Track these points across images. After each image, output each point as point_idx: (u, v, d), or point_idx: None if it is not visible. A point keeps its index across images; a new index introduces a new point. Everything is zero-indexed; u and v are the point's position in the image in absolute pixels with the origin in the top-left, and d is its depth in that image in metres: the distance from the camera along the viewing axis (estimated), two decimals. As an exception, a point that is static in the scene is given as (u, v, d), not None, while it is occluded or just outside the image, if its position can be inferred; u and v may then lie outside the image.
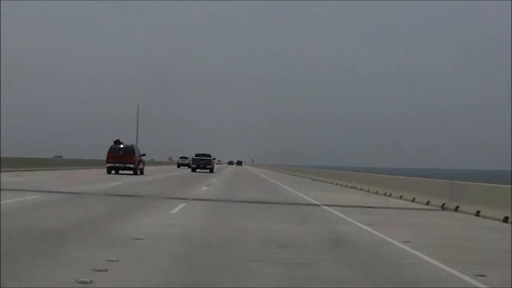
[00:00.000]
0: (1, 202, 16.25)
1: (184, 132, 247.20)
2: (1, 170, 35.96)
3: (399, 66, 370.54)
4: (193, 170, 65.80)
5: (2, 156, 41.27)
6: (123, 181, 34.01)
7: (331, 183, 43.13)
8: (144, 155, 50.19)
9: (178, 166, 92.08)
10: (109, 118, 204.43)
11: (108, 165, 46.12)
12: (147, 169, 66.79)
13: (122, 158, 45.80)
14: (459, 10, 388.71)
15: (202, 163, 65.77)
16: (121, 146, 47.00)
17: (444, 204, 20.43)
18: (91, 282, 6.98)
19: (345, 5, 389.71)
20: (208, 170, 65.45)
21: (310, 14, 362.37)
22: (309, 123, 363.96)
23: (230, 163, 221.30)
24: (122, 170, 46.26)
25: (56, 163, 56.18)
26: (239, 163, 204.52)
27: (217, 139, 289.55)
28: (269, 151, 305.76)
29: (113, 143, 47.24)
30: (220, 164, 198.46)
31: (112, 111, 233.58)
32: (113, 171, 46.31)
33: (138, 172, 47.05)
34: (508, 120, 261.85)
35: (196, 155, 67.76)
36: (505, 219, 16.12)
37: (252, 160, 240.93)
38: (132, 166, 45.82)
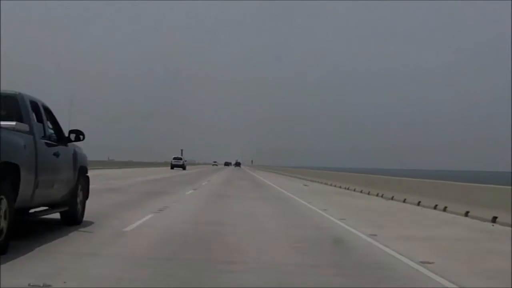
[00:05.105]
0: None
1: (184, 132, 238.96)
2: None
3: (399, 66, 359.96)
4: None
5: None
6: None
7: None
8: None
9: (172, 168, 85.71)
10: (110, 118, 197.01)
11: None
12: (123, 172, 54.60)
13: None
14: (459, 9, 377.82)
15: None
16: None
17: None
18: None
19: (346, 5, 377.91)
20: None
21: (311, 14, 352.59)
22: (311, 123, 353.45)
23: (227, 164, 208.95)
24: None
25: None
26: (238, 164, 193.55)
27: (217, 140, 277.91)
28: (269, 151, 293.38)
29: None
30: (216, 165, 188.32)
31: (112, 111, 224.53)
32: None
33: None
34: (507, 120, 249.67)
35: None
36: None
37: (252, 161, 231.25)
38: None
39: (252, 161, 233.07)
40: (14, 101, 9.96)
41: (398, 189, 24.41)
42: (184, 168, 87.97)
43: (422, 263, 8.79)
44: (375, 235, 11.81)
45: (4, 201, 8.42)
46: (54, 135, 11.13)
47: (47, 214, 10.93)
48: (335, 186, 36.54)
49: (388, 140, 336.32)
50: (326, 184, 39.89)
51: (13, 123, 9.23)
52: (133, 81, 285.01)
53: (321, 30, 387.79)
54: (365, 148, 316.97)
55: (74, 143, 11.99)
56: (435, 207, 18.96)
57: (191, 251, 9.39)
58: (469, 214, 16.54)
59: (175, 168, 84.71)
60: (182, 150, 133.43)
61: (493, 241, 11.89)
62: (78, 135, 11.70)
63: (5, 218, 8.37)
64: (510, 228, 13.75)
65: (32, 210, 10.28)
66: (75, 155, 11.96)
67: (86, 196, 12.73)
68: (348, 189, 32.50)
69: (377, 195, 26.09)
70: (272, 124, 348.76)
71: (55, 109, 11.23)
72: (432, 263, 8.78)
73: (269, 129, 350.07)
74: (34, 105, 10.36)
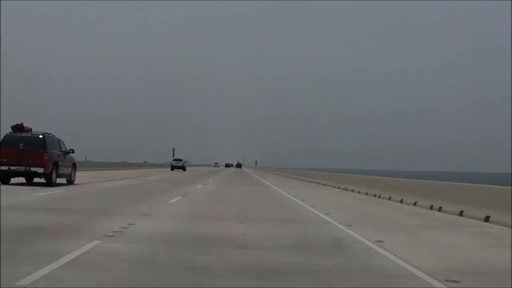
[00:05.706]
0: None
1: (185, 133, 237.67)
2: None
3: (399, 65, 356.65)
4: None
5: None
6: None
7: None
8: (72, 151, 29.10)
9: (172, 169, 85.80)
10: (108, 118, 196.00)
11: (1, 168, 25.60)
12: (121, 173, 50.88)
13: (23, 156, 25.57)
14: (458, 8, 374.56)
15: None
16: (23, 134, 26.43)
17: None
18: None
19: (346, 5, 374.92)
20: None
21: (310, 14, 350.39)
22: (312, 122, 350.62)
23: (228, 165, 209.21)
24: (30, 177, 26.52)
25: None
26: (239, 165, 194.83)
27: (219, 142, 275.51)
28: (271, 153, 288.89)
29: (10, 130, 26.72)
30: (217, 167, 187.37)
31: (110, 111, 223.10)
32: (17, 178, 26.56)
33: (54, 181, 26.52)
34: (507, 120, 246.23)
35: None
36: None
37: (256, 162, 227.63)
38: (40, 170, 25.56)
39: (256, 162, 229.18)
40: None
41: None
42: (184, 169, 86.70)
43: None
44: None
45: None
46: None
47: None
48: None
49: (388, 140, 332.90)
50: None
51: None
52: (132, 81, 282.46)
53: (321, 30, 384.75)
54: (366, 148, 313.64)
55: None
56: None
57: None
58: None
59: (175, 170, 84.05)
60: (174, 149, 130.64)
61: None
62: None
63: None
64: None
65: None
66: None
67: None
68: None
69: None
70: (273, 125, 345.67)
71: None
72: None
73: (271, 130, 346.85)
74: None
